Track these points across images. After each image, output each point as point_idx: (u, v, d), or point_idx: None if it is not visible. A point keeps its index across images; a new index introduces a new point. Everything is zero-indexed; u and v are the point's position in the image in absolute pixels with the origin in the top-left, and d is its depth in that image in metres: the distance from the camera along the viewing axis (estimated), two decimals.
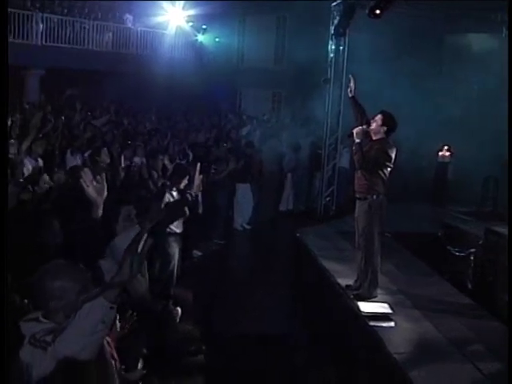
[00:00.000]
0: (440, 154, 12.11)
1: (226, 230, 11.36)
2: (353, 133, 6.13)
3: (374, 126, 6.09)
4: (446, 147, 12.05)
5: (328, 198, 12.24)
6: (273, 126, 15.38)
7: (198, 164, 6.25)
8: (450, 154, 12.03)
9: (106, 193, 4.15)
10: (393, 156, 6.05)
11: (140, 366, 4.63)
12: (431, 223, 9.71)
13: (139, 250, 2.71)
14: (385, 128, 6.07)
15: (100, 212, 4.10)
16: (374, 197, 6.08)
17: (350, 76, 6.67)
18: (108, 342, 3.88)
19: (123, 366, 4.06)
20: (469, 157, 11.37)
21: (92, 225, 3.92)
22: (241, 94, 23.31)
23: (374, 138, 6.12)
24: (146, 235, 3.50)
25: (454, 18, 12.14)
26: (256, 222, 12.14)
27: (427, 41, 14.09)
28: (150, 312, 5.09)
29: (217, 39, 22.09)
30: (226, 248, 10.72)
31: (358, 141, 6.03)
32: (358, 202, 6.29)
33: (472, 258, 8.01)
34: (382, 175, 6.07)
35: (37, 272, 2.82)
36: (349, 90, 6.61)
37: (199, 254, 10.02)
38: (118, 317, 4.58)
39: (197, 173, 5.94)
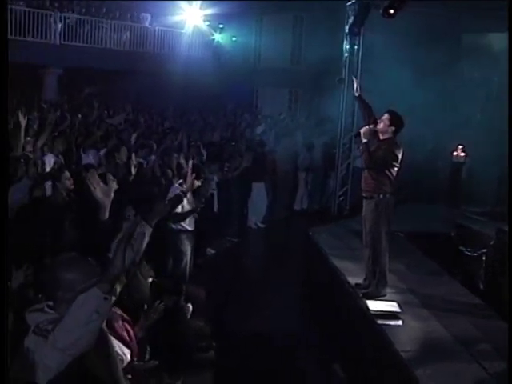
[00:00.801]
0: (454, 154, 12.06)
1: (240, 228, 11.44)
2: (360, 132, 6.16)
3: (381, 125, 6.11)
4: (460, 147, 11.99)
5: (342, 198, 12.25)
6: (287, 125, 15.41)
7: (190, 162, 6.34)
8: (465, 155, 11.97)
9: (112, 194, 4.22)
10: (400, 156, 6.07)
11: (147, 357, 4.72)
12: (444, 223, 9.67)
13: (137, 244, 2.78)
14: (392, 128, 6.08)
15: (107, 213, 4.16)
16: (381, 196, 6.09)
17: (353, 77, 6.71)
18: (128, 331, 4.01)
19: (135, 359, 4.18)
20: (484, 157, 11.30)
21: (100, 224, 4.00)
22: (257, 94, 23.38)
23: (381, 138, 6.14)
24: (150, 231, 3.60)
25: (472, 17, 12.09)
26: (270, 221, 12.22)
27: (444, 40, 14.03)
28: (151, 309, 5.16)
29: (234, 38, 22.17)
30: (239, 246, 10.81)
31: (364, 141, 6.06)
32: (364, 201, 6.32)
33: (484, 258, 7.99)
34: (389, 175, 6.08)
35: (50, 263, 2.94)
36: (354, 89, 6.64)
37: (213, 251, 10.13)
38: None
39: (189, 171, 6.02)
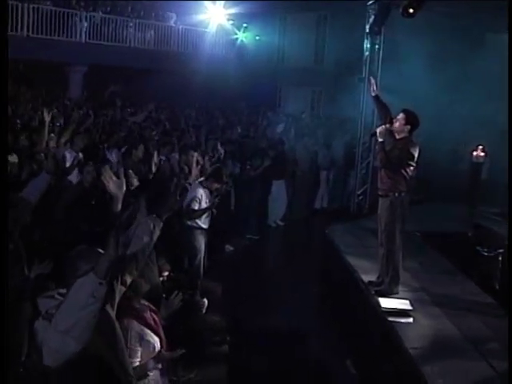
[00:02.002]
0: (474, 154, 12.00)
1: (260, 226, 11.53)
2: (376, 132, 6.22)
3: (397, 125, 6.15)
4: (480, 147, 11.93)
5: (361, 197, 12.26)
6: (308, 124, 15.46)
7: (195, 154, 6.51)
8: (485, 155, 11.90)
9: (124, 188, 4.39)
10: (416, 155, 6.10)
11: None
12: (462, 223, 9.66)
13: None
14: (408, 127, 6.12)
15: (119, 206, 4.32)
16: (396, 194, 6.14)
17: (371, 77, 6.76)
18: (155, 321, 4.15)
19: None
20: (505, 157, 11.22)
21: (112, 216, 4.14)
22: (280, 93, 23.41)
23: (397, 137, 6.18)
24: (161, 224, 3.73)
25: (495, 16, 11.98)
26: (289, 219, 12.29)
27: (467, 40, 13.92)
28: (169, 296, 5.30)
29: (257, 37, 22.22)
30: (258, 244, 10.89)
31: (380, 140, 6.11)
32: (380, 199, 6.38)
33: (500, 258, 7.97)
34: (405, 174, 6.12)
35: (66, 255, 3.11)
36: (371, 88, 6.68)
37: (231, 248, 10.22)
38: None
39: (194, 163, 6.19)
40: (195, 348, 6.10)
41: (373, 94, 6.70)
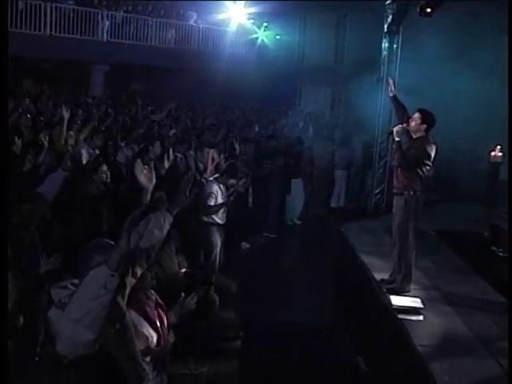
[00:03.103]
0: (492, 154, 11.92)
1: (277, 224, 11.59)
2: (392, 131, 6.27)
3: (413, 124, 6.20)
4: (498, 147, 11.85)
5: (378, 196, 12.27)
6: (327, 123, 15.48)
7: (211, 151, 6.61)
8: (503, 154, 11.82)
9: (154, 181, 4.60)
10: (432, 154, 6.13)
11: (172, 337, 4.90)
12: (479, 223, 9.62)
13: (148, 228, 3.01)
14: (424, 126, 6.17)
15: (149, 196, 4.55)
16: (411, 193, 6.19)
17: (389, 78, 6.80)
18: (160, 316, 4.25)
19: None
20: None
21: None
22: (301, 92, 23.43)
23: (413, 137, 6.23)
24: (171, 219, 3.82)
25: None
26: (306, 218, 12.33)
27: (485, 40, 13.83)
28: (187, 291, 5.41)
29: (277, 37, 22.27)
30: (274, 241, 10.95)
31: (397, 139, 6.17)
32: (395, 197, 6.44)
33: None
34: (421, 173, 6.17)
35: (81, 248, 3.24)
36: (389, 89, 6.72)
37: (247, 246, 10.30)
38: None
39: (209, 160, 6.32)
40: (208, 343, 6.21)
41: (390, 95, 6.75)
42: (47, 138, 7.19)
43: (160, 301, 4.29)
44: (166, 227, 3.76)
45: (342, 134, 13.84)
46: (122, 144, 9.47)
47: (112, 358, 3.24)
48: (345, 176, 13.41)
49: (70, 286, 3.10)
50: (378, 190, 12.28)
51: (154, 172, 4.92)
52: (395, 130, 6.32)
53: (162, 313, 4.26)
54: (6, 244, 3.11)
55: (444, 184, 12.26)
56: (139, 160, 5.69)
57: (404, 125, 6.32)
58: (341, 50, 21.75)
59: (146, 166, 6.72)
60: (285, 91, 20.59)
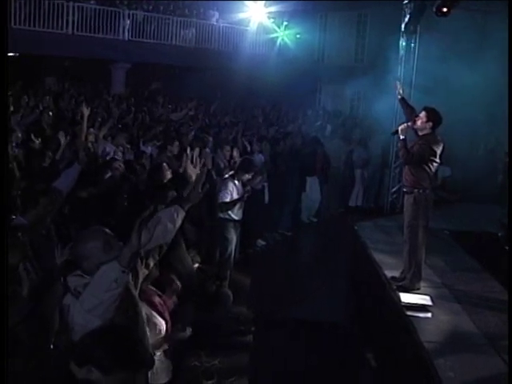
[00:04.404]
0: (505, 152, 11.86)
1: (293, 222, 11.68)
2: (398, 129, 6.34)
3: (419, 123, 6.27)
4: None
5: (395, 195, 12.30)
6: (344, 122, 15.52)
7: (227, 148, 6.73)
8: None
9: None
10: (438, 151, 6.19)
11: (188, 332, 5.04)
12: (494, 223, 9.62)
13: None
14: (430, 124, 6.22)
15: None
16: (421, 191, 6.25)
17: (397, 81, 6.89)
18: (161, 304, 4.40)
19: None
20: None
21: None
22: (320, 91, 23.45)
23: (420, 134, 6.30)
24: (183, 214, 3.96)
25: None
26: (323, 216, 12.41)
27: (501, 39, 13.75)
28: (199, 286, 5.57)
29: (298, 36, 22.29)
30: (290, 239, 11.04)
31: (402, 137, 6.24)
32: (405, 196, 6.50)
33: None
34: (428, 170, 6.23)
35: (76, 237, 3.39)
36: (397, 92, 6.81)
37: (263, 243, 10.41)
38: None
39: (225, 158, 6.40)
40: (221, 336, 6.35)
41: (399, 97, 6.84)
42: (63, 135, 7.37)
43: (158, 292, 4.44)
44: (179, 221, 3.93)
45: (361, 134, 13.87)
46: (140, 142, 9.65)
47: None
48: (363, 175, 13.44)
49: (83, 275, 3.27)
50: (394, 189, 12.30)
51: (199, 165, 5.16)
52: (400, 128, 6.41)
53: (163, 302, 4.43)
54: (5, 244, 3.27)
55: (463, 184, 12.25)
56: (187, 154, 5.92)
57: (409, 123, 6.41)
58: (361, 49, 21.73)
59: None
60: (305, 90, 20.62)
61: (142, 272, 3.72)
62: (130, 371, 2.90)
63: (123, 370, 2.79)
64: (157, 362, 4.35)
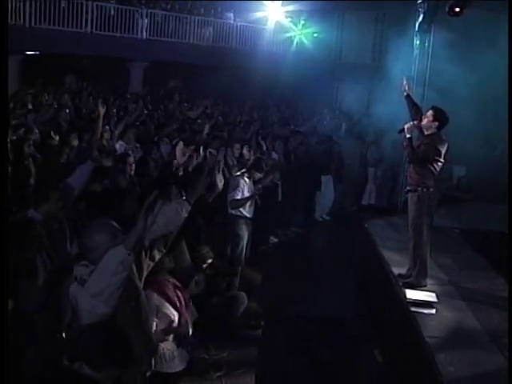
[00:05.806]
0: None
1: (306, 219, 11.78)
2: (404, 128, 6.43)
3: (425, 121, 6.34)
4: None
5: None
6: (358, 121, 15.57)
7: (239, 146, 6.87)
8: None
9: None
10: (443, 151, 6.25)
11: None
12: (505, 222, 9.64)
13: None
14: (436, 123, 6.29)
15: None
16: (424, 189, 6.32)
17: (403, 76, 6.94)
18: (178, 297, 4.57)
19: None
20: None
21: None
22: (337, 90, 23.45)
23: (425, 133, 6.37)
24: (188, 207, 4.11)
25: None
26: (336, 214, 12.50)
27: None
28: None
29: (315, 35, 22.35)
30: (302, 237, 11.13)
31: (408, 136, 6.33)
32: (409, 194, 6.58)
33: None
34: (432, 169, 6.29)
35: (85, 230, 3.57)
36: (402, 88, 6.88)
37: (275, 240, 10.54)
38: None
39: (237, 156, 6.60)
40: (230, 330, 6.49)
41: (404, 94, 6.90)
42: (76, 137, 7.55)
43: (177, 283, 4.61)
44: (184, 214, 4.08)
45: (375, 133, 13.92)
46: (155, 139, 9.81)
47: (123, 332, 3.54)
48: (376, 174, 13.50)
49: (89, 265, 3.44)
50: (407, 188, 12.31)
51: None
52: (406, 126, 6.49)
53: (179, 293, 4.58)
54: (5, 244, 3.42)
55: (478, 184, 12.26)
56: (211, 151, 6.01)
57: (415, 122, 6.49)
58: (378, 48, 21.69)
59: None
60: (321, 89, 20.63)
61: (147, 264, 3.87)
62: (120, 368, 3.06)
63: (113, 367, 2.94)
64: (167, 352, 4.52)
